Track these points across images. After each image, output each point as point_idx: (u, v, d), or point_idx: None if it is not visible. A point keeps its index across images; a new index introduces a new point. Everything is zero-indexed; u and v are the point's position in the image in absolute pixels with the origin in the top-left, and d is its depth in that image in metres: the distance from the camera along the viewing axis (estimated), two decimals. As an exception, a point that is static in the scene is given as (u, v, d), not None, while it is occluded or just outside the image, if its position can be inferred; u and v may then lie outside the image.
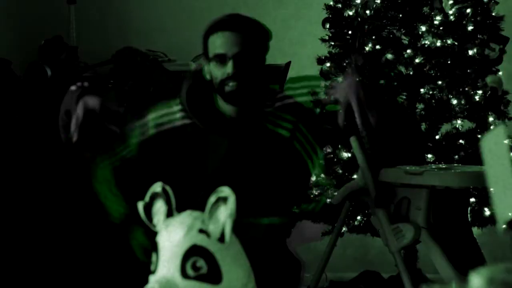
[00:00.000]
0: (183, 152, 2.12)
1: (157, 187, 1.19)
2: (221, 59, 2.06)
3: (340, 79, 3.52)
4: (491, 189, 1.06)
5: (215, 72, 2.08)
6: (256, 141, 2.13)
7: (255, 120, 2.14)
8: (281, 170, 2.15)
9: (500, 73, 3.53)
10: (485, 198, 3.37)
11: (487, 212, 3.40)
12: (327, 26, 3.59)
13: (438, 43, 3.44)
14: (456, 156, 3.43)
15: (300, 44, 4.02)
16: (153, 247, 1.13)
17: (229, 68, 2.05)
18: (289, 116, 2.16)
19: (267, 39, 2.16)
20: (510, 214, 1.04)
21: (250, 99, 2.12)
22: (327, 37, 3.60)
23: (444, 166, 3.04)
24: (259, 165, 2.13)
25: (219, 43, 2.07)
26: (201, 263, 1.09)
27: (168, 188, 1.18)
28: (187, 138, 2.12)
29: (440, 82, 3.45)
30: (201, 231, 1.11)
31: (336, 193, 3.25)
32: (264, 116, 2.15)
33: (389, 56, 3.46)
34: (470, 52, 3.47)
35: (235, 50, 2.05)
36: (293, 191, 2.22)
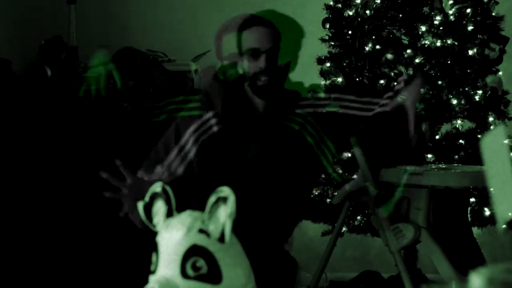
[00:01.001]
0: (215, 159, 2.14)
1: (157, 187, 1.19)
2: (254, 53, 2.09)
3: (340, 79, 3.52)
4: (491, 189, 1.06)
5: (247, 66, 2.10)
6: (279, 138, 2.16)
7: (282, 116, 2.17)
8: (294, 164, 2.17)
9: (500, 73, 3.53)
10: (485, 198, 3.37)
11: (487, 212, 3.40)
12: (327, 26, 3.59)
13: (438, 43, 3.44)
14: (456, 156, 3.43)
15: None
16: (153, 247, 1.13)
17: (261, 62, 2.08)
18: (299, 110, 2.19)
19: (299, 37, 2.19)
20: (510, 214, 1.04)
21: (279, 94, 2.14)
22: (327, 37, 3.60)
23: (444, 166, 3.04)
24: (277, 162, 2.15)
25: (252, 38, 2.10)
26: (201, 263, 1.09)
27: (168, 188, 1.18)
28: (220, 144, 2.14)
29: (440, 82, 3.45)
30: (201, 231, 1.11)
31: (336, 193, 3.26)
32: (280, 117, 2.18)
33: (389, 56, 3.46)
34: (470, 52, 3.47)
35: (268, 45, 2.08)
36: (303, 186, 2.25)
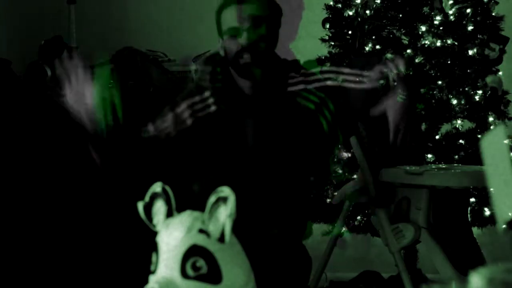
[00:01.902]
0: (214, 138, 2.12)
1: (157, 187, 1.19)
2: (235, 32, 2.06)
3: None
4: (491, 189, 1.05)
5: (230, 46, 2.08)
6: (276, 116, 2.13)
7: (272, 95, 2.13)
8: (305, 143, 2.14)
9: (500, 73, 3.54)
10: (485, 198, 3.37)
11: (487, 212, 3.40)
12: (327, 26, 3.60)
13: (438, 43, 3.44)
14: (456, 156, 3.43)
15: (300, 44, 4.02)
16: (153, 247, 1.13)
17: (243, 40, 2.05)
18: (319, 92, 2.15)
19: (279, 15, 2.16)
20: (510, 214, 1.04)
21: (265, 73, 2.10)
22: (327, 37, 3.60)
23: (444, 166, 3.04)
24: (283, 143, 2.13)
25: (232, 16, 2.07)
26: (201, 263, 1.09)
27: (168, 188, 1.18)
28: (218, 123, 2.11)
29: (440, 82, 3.45)
30: (201, 231, 1.11)
31: (336, 193, 3.26)
32: (293, 93, 2.14)
33: (389, 56, 3.46)
34: (470, 52, 3.48)
35: (248, 23, 2.06)
36: (314, 170, 2.22)
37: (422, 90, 3.47)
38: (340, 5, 3.58)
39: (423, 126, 3.48)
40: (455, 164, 3.31)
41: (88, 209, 3.19)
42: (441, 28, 3.44)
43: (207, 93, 2.13)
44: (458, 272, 2.76)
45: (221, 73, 2.14)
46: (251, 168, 2.09)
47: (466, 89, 3.46)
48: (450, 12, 3.46)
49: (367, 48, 3.49)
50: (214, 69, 2.15)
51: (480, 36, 3.50)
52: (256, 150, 2.11)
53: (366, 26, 3.50)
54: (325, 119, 2.13)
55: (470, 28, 3.47)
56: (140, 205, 1.19)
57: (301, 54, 3.88)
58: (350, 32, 3.54)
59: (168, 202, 1.17)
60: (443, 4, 3.45)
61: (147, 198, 1.19)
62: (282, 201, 2.13)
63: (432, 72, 3.46)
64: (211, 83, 2.13)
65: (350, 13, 3.55)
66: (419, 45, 3.47)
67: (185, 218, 1.13)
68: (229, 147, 2.11)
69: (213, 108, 2.11)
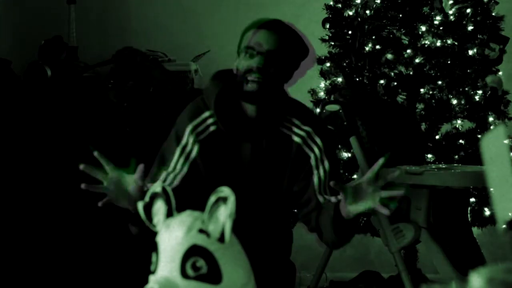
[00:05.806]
0: (212, 158, 2.13)
1: (157, 187, 1.19)
2: (251, 52, 2.06)
3: (340, 79, 3.52)
4: (491, 189, 1.05)
5: (242, 63, 2.08)
6: (273, 143, 2.14)
7: (273, 122, 2.13)
8: (291, 173, 2.15)
9: (500, 73, 3.54)
10: (485, 198, 3.38)
11: (487, 212, 3.40)
12: (327, 26, 3.60)
13: (438, 43, 3.45)
14: (456, 156, 3.44)
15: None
16: (153, 247, 1.13)
17: (256, 61, 2.05)
18: (305, 127, 2.15)
19: (302, 56, 2.16)
20: (510, 214, 1.04)
21: (269, 100, 2.11)
22: (327, 37, 3.60)
23: (444, 166, 3.04)
24: (275, 168, 2.14)
25: (254, 38, 2.07)
26: (201, 263, 1.09)
27: (168, 188, 1.18)
28: (216, 143, 2.12)
29: (440, 82, 3.45)
30: (201, 231, 1.11)
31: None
32: (280, 121, 2.15)
33: (389, 56, 3.46)
34: (470, 52, 3.48)
35: (267, 47, 2.05)
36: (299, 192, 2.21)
37: (422, 90, 3.47)
38: (340, 5, 3.58)
39: (423, 126, 3.49)
40: (455, 164, 3.31)
41: (89, 209, 3.19)
42: (441, 28, 3.44)
43: (206, 114, 2.13)
44: (458, 272, 2.76)
45: (229, 91, 2.14)
46: (245, 180, 2.11)
47: (466, 89, 3.47)
48: (450, 12, 3.46)
49: (367, 48, 3.49)
50: (223, 86, 2.15)
51: (480, 36, 3.50)
52: (250, 172, 2.13)
53: (366, 26, 3.50)
54: (312, 153, 2.13)
55: (470, 28, 3.47)
56: (140, 205, 1.19)
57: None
58: (350, 32, 3.54)
59: (168, 202, 1.17)
60: (443, 4, 3.45)
61: (147, 198, 1.19)
62: (271, 211, 2.16)
63: (432, 72, 3.46)
64: (216, 101, 2.13)
65: (350, 13, 3.55)
66: (419, 45, 3.47)
67: (185, 218, 1.13)
68: (225, 166, 2.12)
69: (212, 128, 2.12)
